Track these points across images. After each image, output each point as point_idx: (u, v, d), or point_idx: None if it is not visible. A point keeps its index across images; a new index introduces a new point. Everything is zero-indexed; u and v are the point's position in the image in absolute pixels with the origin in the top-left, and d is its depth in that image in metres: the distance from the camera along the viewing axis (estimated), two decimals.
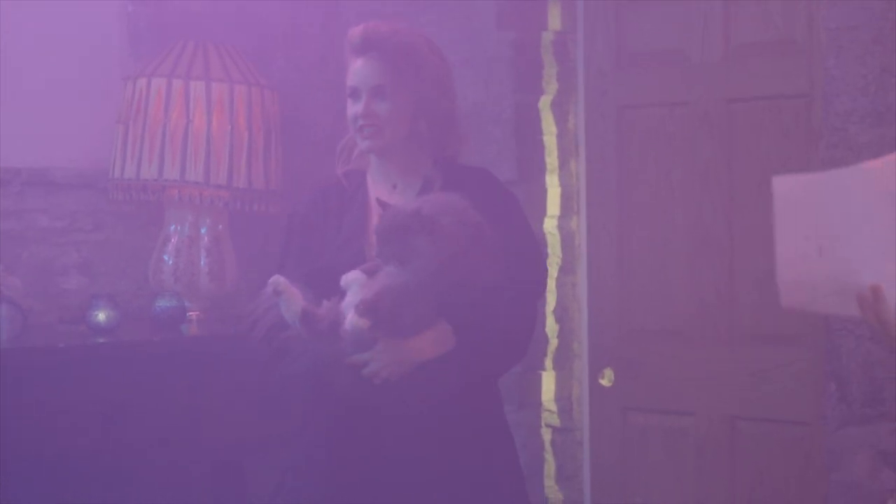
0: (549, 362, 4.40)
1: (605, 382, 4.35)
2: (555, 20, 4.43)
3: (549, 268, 3.26)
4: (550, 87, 4.42)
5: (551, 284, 4.37)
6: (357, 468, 3.11)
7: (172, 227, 4.39)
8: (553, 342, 4.38)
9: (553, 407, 4.42)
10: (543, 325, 4.35)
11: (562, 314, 4.39)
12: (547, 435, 4.43)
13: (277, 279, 3.00)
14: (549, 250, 4.38)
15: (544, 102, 4.41)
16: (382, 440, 3.07)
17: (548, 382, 4.41)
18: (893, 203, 2.45)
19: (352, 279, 2.98)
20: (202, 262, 4.36)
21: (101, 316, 4.00)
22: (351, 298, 2.95)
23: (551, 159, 4.42)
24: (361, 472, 3.11)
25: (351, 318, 2.92)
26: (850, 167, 2.54)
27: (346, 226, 3.19)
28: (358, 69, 3.15)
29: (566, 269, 4.40)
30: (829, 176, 2.58)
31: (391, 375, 2.97)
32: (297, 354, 3.01)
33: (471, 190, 3.08)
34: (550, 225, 4.40)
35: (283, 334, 3.02)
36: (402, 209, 2.95)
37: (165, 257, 4.36)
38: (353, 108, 3.16)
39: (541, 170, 4.41)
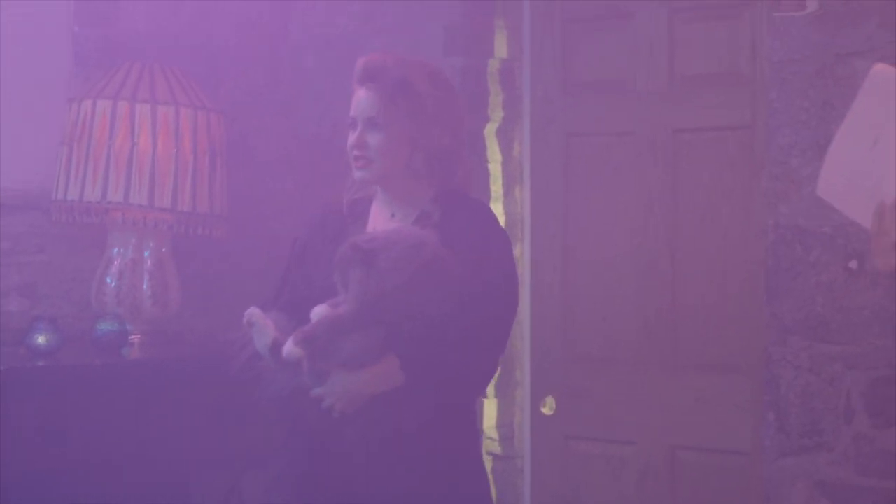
0: (490, 389, 4.39)
1: (546, 410, 4.35)
2: (501, 48, 4.44)
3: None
4: (496, 115, 4.43)
5: None
6: (323, 498, 3.11)
7: (115, 250, 4.37)
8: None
9: (494, 434, 4.42)
10: None
11: None
12: (488, 463, 4.42)
13: (252, 311, 3.03)
14: None
15: (490, 129, 4.42)
16: (347, 471, 3.07)
17: (489, 410, 4.41)
18: None
19: (318, 311, 2.99)
20: (145, 286, 4.35)
21: (42, 339, 3.97)
22: None
23: (496, 186, 4.42)
24: (327, 501, 3.11)
25: (287, 347, 2.94)
26: None
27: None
28: (357, 99, 3.17)
29: None
30: None
31: (345, 408, 2.98)
32: (267, 384, 3.03)
33: (460, 225, 3.09)
34: None
35: (259, 364, 3.04)
36: (351, 242, 2.96)
37: (108, 280, 4.34)
38: (350, 138, 3.18)
39: (486, 197, 4.41)
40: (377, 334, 2.96)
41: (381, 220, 3.22)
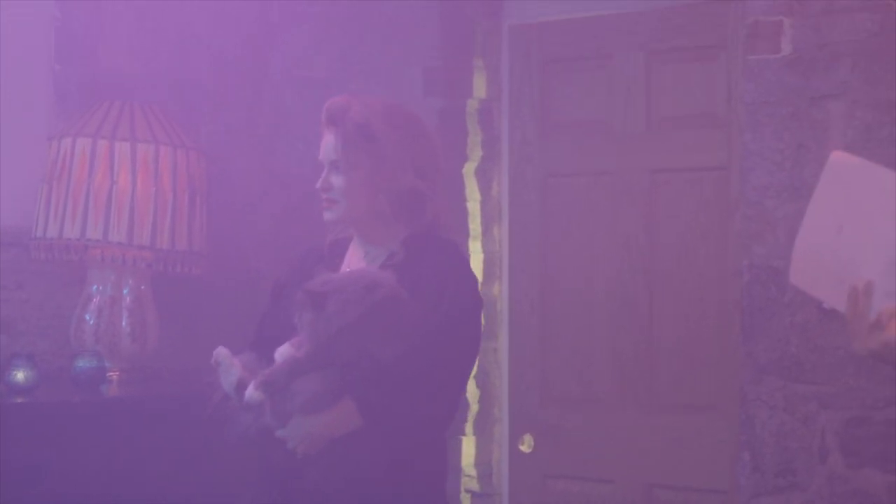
0: (469, 427, 4.41)
1: (524, 448, 4.37)
2: (480, 88, 4.47)
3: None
4: (475, 154, 4.46)
5: None
6: None
7: (95, 287, 4.38)
8: (474, 407, 4.39)
9: (473, 472, 4.42)
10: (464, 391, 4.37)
11: (483, 379, 4.41)
12: (467, 501, 4.43)
13: (219, 350, 3.05)
14: None
15: (469, 169, 4.45)
16: None
17: (468, 447, 4.42)
18: None
19: (281, 351, 3.01)
20: (124, 323, 4.35)
21: (20, 375, 3.98)
22: None
23: (475, 225, 4.45)
24: None
25: (249, 391, 2.98)
26: None
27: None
28: (324, 142, 3.20)
29: (488, 334, 4.42)
30: (882, 171, 2.60)
31: (307, 450, 3.01)
32: (234, 423, 3.04)
33: (424, 265, 3.11)
34: None
35: (231, 403, 3.05)
36: (305, 285, 2.99)
37: (87, 317, 4.35)
38: (320, 179, 3.21)
39: (464, 236, 4.43)
40: (332, 376, 2.98)
41: (355, 260, 3.25)
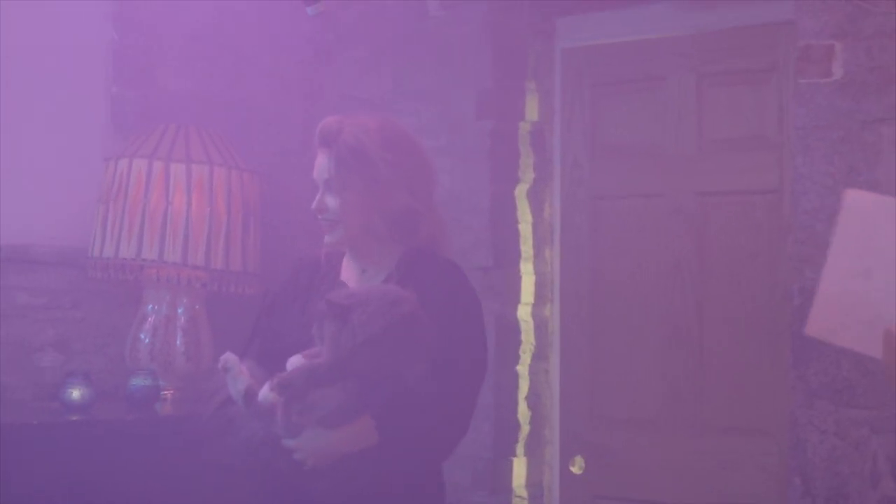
0: (520, 448, 4.42)
1: (575, 470, 4.37)
2: (532, 111, 4.49)
3: (484, 371, 3.23)
4: (527, 177, 4.48)
5: (524, 371, 4.40)
6: None
7: (150, 307, 4.42)
8: (525, 428, 4.41)
9: (524, 493, 4.43)
10: (515, 412, 4.38)
11: (534, 401, 4.43)
12: None
13: (227, 356, 3.05)
14: (523, 337, 4.41)
15: (521, 191, 4.47)
16: None
17: (519, 468, 4.43)
18: None
19: (293, 361, 3.02)
20: (178, 342, 4.39)
21: (76, 393, 4.02)
22: None
23: (526, 247, 4.46)
24: None
25: (263, 392, 2.97)
26: None
27: (311, 306, 3.19)
28: (317, 163, 3.20)
29: (539, 355, 4.43)
30: None
31: (316, 464, 3.00)
32: (238, 429, 3.05)
33: (428, 284, 3.11)
34: (524, 312, 4.44)
35: (231, 410, 3.06)
36: (328, 297, 2.98)
37: (142, 336, 4.39)
38: (315, 200, 3.22)
39: (516, 257, 4.45)
40: (352, 390, 2.97)
41: (352, 274, 3.24)
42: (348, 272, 3.26)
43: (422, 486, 3.14)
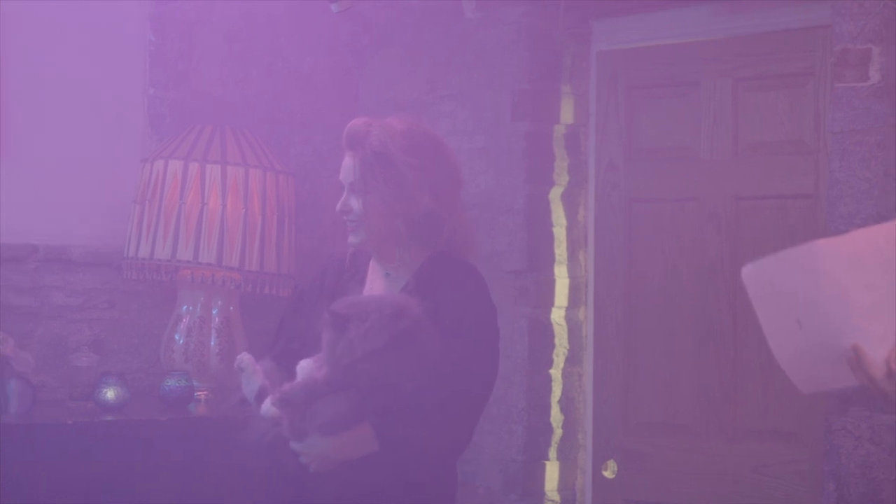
0: (553, 452, 4.42)
1: (608, 474, 4.37)
2: (567, 114, 4.49)
3: (492, 380, 3.23)
4: (562, 179, 4.47)
5: (557, 374, 4.40)
6: None
7: (185, 308, 4.44)
8: (558, 432, 4.40)
9: (556, 497, 4.43)
10: (548, 415, 4.38)
11: (567, 405, 4.42)
12: None
13: (242, 356, 3.09)
14: (556, 341, 4.41)
15: (555, 194, 4.46)
16: None
17: (551, 472, 4.43)
18: (859, 269, 2.51)
19: (303, 366, 3.03)
20: (213, 343, 4.41)
21: (111, 393, 4.04)
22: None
23: (560, 250, 4.46)
24: None
25: (265, 406, 3.01)
26: (807, 244, 2.58)
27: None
28: (343, 165, 3.22)
29: (573, 359, 4.43)
30: (790, 254, 2.61)
31: (319, 468, 3.03)
32: (251, 428, 3.07)
33: (443, 288, 3.12)
34: (558, 315, 4.44)
35: (246, 410, 3.09)
36: (332, 306, 2.98)
37: (177, 336, 4.41)
38: (339, 202, 3.23)
39: (550, 260, 4.45)
40: (353, 400, 2.98)
41: (377, 277, 3.25)
42: (374, 274, 3.28)
43: (429, 485, 3.15)
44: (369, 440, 3.01)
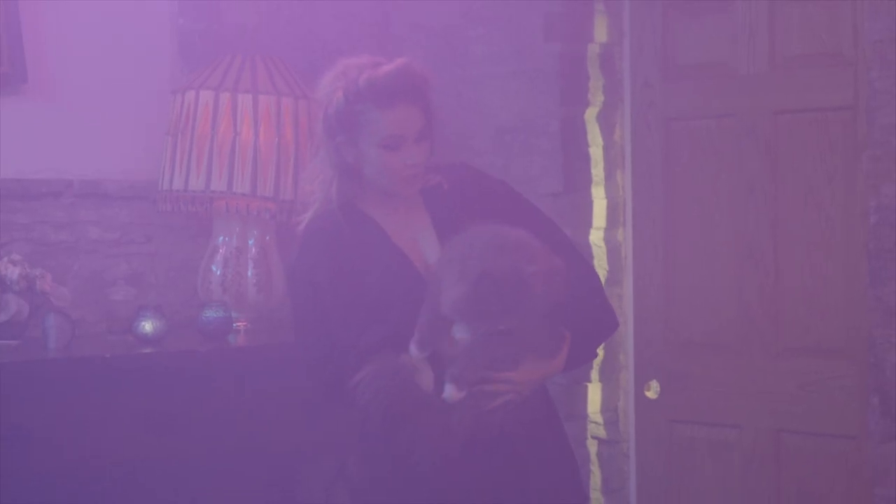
0: (595, 374, 4.40)
1: (650, 394, 4.35)
2: (601, 32, 4.44)
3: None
4: (597, 99, 4.43)
5: None
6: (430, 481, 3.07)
7: (221, 239, 4.42)
8: (599, 353, 4.38)
9: (599, 419, 4.42)
10: None
11: None
12: (593, 447, 4.43)
13: (411, 357, 2.98)
14: (596, 262, 4.39)
15: (591, 114, 4.42)
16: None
17: (594, 394, 4.41)
18: None
19: (426, 377, 2.98)
20: (249, 273, 4.40)
21: (148, 326, 4.03)
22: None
23: (597, 171, 4.42)
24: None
25: (448, 391, 2.92)
26: None
27: (384, 284, 3.09)
28: (401, 116, 3.06)
29: (612, 280, 4.40)
30: None
31: (517, 397, 2.99)
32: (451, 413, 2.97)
33: (479, 200, 3.11)
34: (596, 237, 4.41)
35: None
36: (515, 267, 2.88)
37: (213, 268, 4.40)
38: (396, 156, 3.08)
39: (587, 182, 4.41)
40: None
41: (393, 218, 3.16)
42: (392, 226, 3.16)
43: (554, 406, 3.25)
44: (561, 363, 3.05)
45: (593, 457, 4.43)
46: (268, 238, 4.45)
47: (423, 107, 3.09)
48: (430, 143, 3.12)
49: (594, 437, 4.44)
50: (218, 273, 4.39)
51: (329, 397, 3.15)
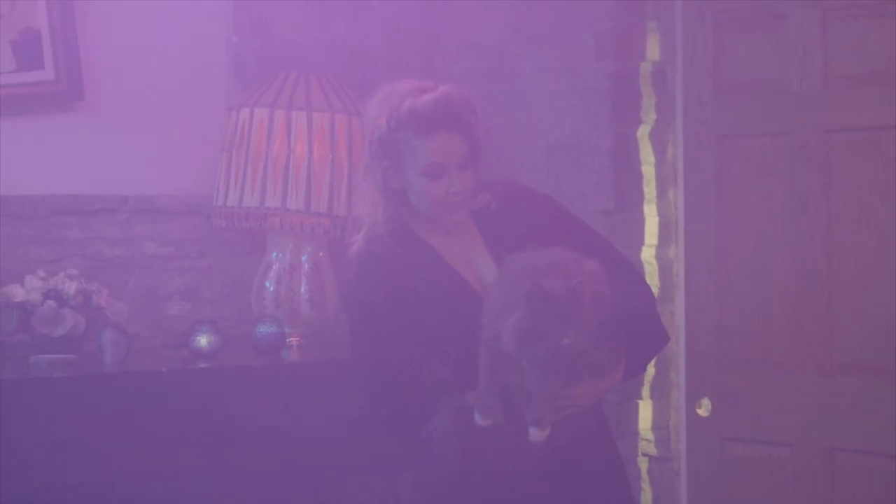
0: (646, 391, 4.40)
1: (702, 412, 4.34)
2: (654, 50, 4.44)
3: None
4: (649, 117, 4.43)
5: None
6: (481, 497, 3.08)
7: (274, 255, 4.45)
8: (650, 371, 4.38)
9: (650, 436, 4.41)
10: None
11: None
12: (644, 464, 4.42)
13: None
14: (648, 279, 4.38)
15: (643, 132, 4.42)
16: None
17: (645, 411, 4.41)
18: None
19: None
20: (303, 289, 4.42)
21: (204, 341, 4.07)
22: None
23: (649, 189, 4.43)
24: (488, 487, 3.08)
25: (533, 434, 2.93)
26: None
27: (442, 307, 3.10)
28: (443, 144, 3.09)
29: (664, 297, 4.40)
30: None
31: (577, 411, 3.01)
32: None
33: (530, 217, 3.13)
34: (648, 254, 4.41)
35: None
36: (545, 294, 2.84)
37: (267, 284, 4.43)
38: (439, 185, 3.10)
39: (639, 199, 4.42)
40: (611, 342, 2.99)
41: (450, 248, 3.18)
42: (445, 248, 3.19)
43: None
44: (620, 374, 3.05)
45: (644, 474, 4.43)
46: (321, 254, 4.48)
47: (466, 134, 3.10)
48: (475, 169, 3.14)
49: (645, 455, 4.43)
50: (271, 289, 4.42)
51: (390, 435, 3.16)
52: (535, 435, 2.92)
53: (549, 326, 2.81)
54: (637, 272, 3.29)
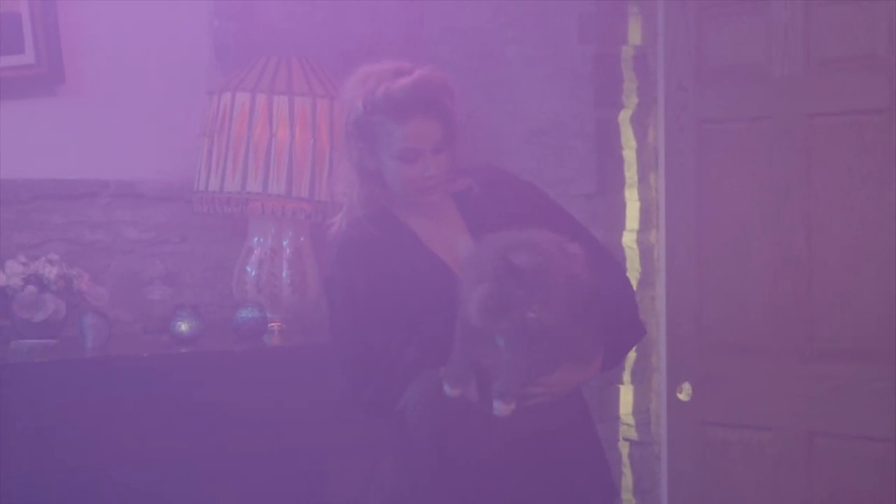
0: (627, 376, 4.40)
1: (682, 396, 4.35)
2: (635, 34, 4.44)
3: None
4: (630, 102, 4.43)
5: None
6: (461, 482, 3.10)
7: (255, 240, 4.44)
8: (631, 355, 4.38)
9: (631, 420, 4.42)
10: None
11: None
12: (625, 448, 4.43)
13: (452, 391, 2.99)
14: (629, 264, 4.39)
15: (624, 117, 4.42)
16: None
17: (626, 396, 4.42)
18: None
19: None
20: (284, 274, 4.42)
21: (184, 326, 4.06)
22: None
23: (631, 173, 4.43)
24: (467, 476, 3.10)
25: (497, 407, 2.94)
26: None
27: (422, 289, 3.12)
28: (418, 129, 3.10)
29: (645, 282, 4.40)
30: None
31: (557, 396, 3.04)
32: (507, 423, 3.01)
33: (509, 202, 3.14)
34: (630, 239, 4.41)
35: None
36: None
37: (248, 269, 4.42)
38: (412, 169, 3.12)
39: (620, 184, 4.42)
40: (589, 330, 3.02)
41: (429, 230, 3.19)
42: (425, 231, 3.20)
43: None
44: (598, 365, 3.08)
45: (625, 458, 4.44)
46: (302, 239, 4.47)
47: (443, 118, 3.11)
48: (450, 153, 3.14)
49: (626, 439, 4.44)
50: (253, 274, 4.41)
51: (371, 417, 3.17)
52: (500, 409, 2.93)
53: (513, 298, 2.81)
54: (617, 263, 3.30)
